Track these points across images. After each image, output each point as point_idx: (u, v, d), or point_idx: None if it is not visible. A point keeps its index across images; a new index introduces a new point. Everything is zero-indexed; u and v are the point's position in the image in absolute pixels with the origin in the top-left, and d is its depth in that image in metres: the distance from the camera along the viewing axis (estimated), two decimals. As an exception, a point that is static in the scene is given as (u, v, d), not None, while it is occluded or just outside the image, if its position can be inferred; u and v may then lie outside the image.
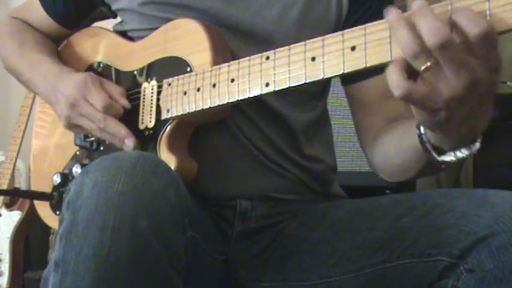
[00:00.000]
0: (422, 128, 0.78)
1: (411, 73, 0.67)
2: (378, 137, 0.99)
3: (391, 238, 0.86)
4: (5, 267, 2.29)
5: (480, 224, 0.77)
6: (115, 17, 1.14)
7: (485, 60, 0.65)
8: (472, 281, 0.76)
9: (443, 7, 0.66)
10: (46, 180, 1.14)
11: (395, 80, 0.67)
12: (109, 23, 1.17)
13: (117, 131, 0.98)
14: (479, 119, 0.72)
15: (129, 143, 0.97)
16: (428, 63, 0.65)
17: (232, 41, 0.98)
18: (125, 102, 1.01)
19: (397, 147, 0.91)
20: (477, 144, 0.76)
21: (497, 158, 1.64)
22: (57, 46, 1.23)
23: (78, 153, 1.11)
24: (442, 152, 0.77)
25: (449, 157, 0.77)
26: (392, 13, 0.67)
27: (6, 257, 2.29)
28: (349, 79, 1.05)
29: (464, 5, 0.65)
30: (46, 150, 1.20)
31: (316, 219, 1.00)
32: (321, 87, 1.09)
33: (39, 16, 1.20)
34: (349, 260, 0.90)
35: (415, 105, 0.70)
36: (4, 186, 2.31)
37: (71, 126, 1.04)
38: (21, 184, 2.50)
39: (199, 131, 0.99)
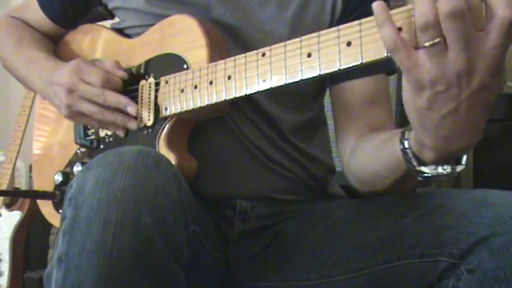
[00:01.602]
0: (406, 133, 0.78)
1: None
2: (358, 142, 0.99)
3: (392, 238, 0.86)
4: (5, 267, 2.29)
5: (481, 224, 0.77)
6: (113, 17, 1.14)
7: (492, 54, 0.63)
8: (472, 281, 0.76)
9: None
10: (48, 179, 1.14)
11: (386, 33, 0.66)
12: (108, 24, 1.17)
13: (118, 100, 0.98)
14: (465, 130, 0.70)
15: (131, 110, 0.97)
16: (436, 40, 0.63)
17: (226, 40, 0.98)
18: (121, 73, 1.01)
19: (375, 154, 0.91)
20: (460, 167, 0.75)
21: (498, 158, 1.64)
22: (55, 46, 1.23)
23: (79, 152, 1.11)
24: (422, 164, 0.77)
25: (428, 169, 0.76)
26: None
27: (6, 257, 2.29)
28: (335, 79, 1.05)
29: None
30: (47, 149, 1.20)
31: (316, 219, 1.00)
32: (317, 88, 1.09)
33: (37, 16, 1.20)
34: (349, 260, 0.90)
35: (401, 66, 0.67)
36: (4, 186, 2.30)
37: (73, 114, 1.03)
38: (21, 184, 2.50)
39: (199, 131, 0.99)
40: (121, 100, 0.98)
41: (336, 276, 0.91)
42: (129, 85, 1.02)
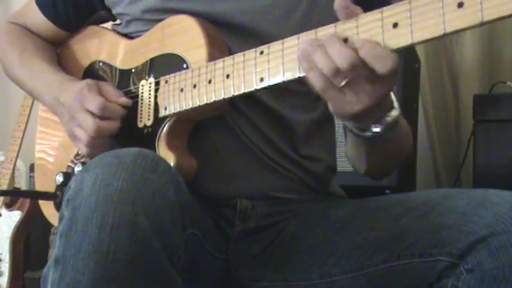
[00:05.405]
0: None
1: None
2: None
3: (391, 238, 0.86)
4: (5, 267, 2.29)
5: (480, 224, 0.77)
6: (114, 20, 1.15)
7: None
8: (472, 281, 0.76)
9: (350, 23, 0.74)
10: (50, 180, 1.15)
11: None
12: (108, 24, 1.17)
13: (113, 127, 0.98)
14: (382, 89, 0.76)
15: None
16: (347, 79, 0.73)
17: (235, 43, 0.97)
18: (122, 100, 1.01)
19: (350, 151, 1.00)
20: (395, 105, 0.82)
21: (498, 158, 1.63)
22: (57, 49, 1.23)
23: (80, 152, 1.11)
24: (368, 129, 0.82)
25: (378, 128, 0.82)
26: (305, 41, 0.77)
27: (6, 257, 2.29)
28: None
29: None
30: (49, 149, 1.21)
31: (317, 218, 1.00)
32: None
33: (38, 20, 1.20)
34: (350, 259, 0.90)
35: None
36: (4, 186, 2.30)
37: (72, 137, 1.04)
38: (21, 184, 2.50)
39: (200, 130, 0.99)
40: (116, 127, 0.99)
41: (336, 276, 0.91)
42: (130, 85, 1.03)
